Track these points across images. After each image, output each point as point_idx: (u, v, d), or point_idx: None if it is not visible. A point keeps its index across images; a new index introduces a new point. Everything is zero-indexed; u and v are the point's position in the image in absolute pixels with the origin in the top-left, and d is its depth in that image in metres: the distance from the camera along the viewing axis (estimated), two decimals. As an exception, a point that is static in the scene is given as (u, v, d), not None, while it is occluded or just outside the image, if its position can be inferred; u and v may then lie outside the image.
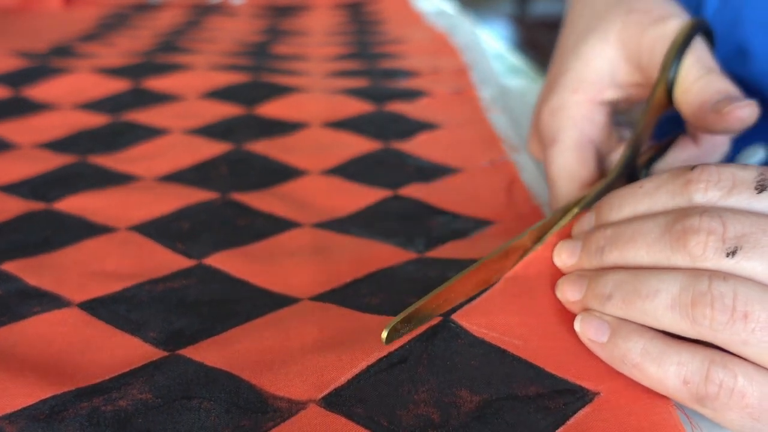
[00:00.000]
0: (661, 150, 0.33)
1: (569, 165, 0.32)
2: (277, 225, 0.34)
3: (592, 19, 0.34)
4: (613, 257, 0.24)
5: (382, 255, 0.31)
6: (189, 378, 0.23)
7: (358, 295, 0.28)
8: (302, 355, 0.24)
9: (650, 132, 0.31)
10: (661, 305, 0.22)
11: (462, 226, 0.34)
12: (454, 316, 0.25)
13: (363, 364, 0.23)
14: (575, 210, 0.27)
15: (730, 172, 0.23)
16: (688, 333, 0.21)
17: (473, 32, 0.77)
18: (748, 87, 0.41)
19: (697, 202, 0.23)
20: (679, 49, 0.30)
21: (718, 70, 0.30)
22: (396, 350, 0.23)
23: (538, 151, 0.37)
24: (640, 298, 0.22)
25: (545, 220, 0.27)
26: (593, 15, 0.35)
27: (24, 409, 0.22)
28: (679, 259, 0.22)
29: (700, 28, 0.31)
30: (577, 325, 0.24)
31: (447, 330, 0.24)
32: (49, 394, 0.22)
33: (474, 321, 0.25)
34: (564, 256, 0.26)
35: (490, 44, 0.74)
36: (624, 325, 0.23)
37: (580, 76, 0.33)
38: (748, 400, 0.20)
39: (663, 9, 0.33)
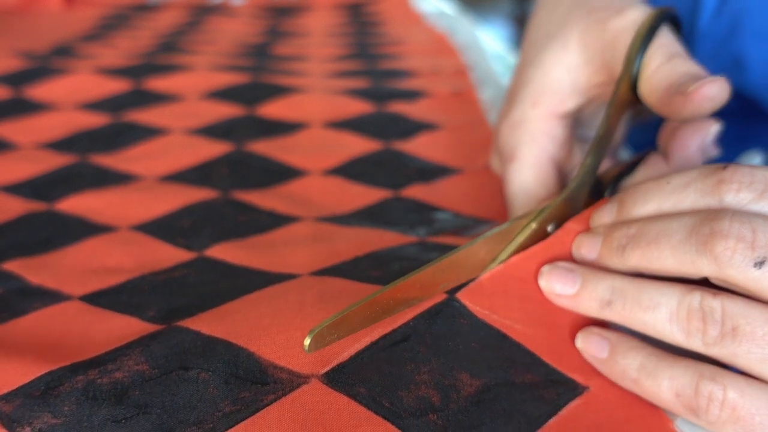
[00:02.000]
0: (629, 167, 0.31)
1: (528, 183, 0.31)
2: (278, 220, 0.34)
3: (552, 27, 0.33)
4: (636, 257, 0.23)
5: (384, 239, 0.31)
6: (185, 347, 0.23)
7: (358, 268, 0.28)
8: (302, 321, 0.23)
9: (613, 133, 0.29)
10: (661, 318, 0.22)
11: (463, 223, 0.34)
12: (458, 295, 0.25)
13: (366, 340, 0.23)
14: (533, 225, 0.26)
15: (763, 174, 0.22)
16: (683, 345, 0.22)
17: (473, 33, 0.77)
18: (745, 97, 0.41)
19: (728, 203, 0.22)
20: (643, 41, 0.28)
21: (683, 54, 0.28)
22: (399, 327, 0.23)
23: (499, 166, 0.35)
24: (641, 309, 0.22)
25: (499, 229, 0.26)
26: (553, 22, 0.33)
27: (19, 387, 0.22)
28: (705, 264, 0.21)
29: (665, 18, 0.29)
30: (579, 343, 0.24)
31: (450, 308, 0.24)
32: (44, 371, 0.22)
33: (477, 301, 0.24)
34: (584, 251, 0.25)
35: (490, 44, 0.74)
36: (623, 341, 0.23)
37: (539, 88, 0.32)
38: (740, 412, 0.20)
39: (624, 2, 0.31)
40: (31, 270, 0.30)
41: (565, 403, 0.22)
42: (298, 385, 0.21)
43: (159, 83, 0.54)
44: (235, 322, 0.24)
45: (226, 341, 0.23)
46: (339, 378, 0.21)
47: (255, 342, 0.23)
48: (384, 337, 0.23)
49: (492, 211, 0.36)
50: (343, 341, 0.22)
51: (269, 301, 0.25)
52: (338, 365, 0.22)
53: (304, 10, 0.94)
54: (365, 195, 0.37)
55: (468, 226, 0.34)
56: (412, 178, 0.39)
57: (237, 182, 0.39)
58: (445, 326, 0.23)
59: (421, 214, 0.35)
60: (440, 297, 0.24)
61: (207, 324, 0.24)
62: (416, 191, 0.37)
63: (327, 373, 0.22)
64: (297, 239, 0.32)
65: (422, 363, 0.22)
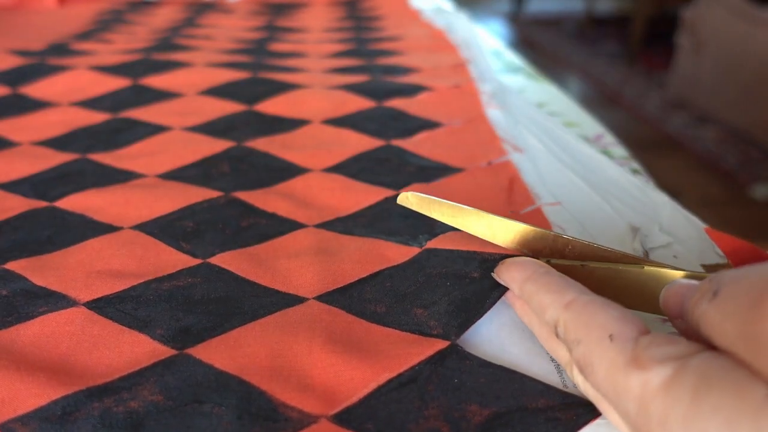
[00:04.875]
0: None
1: None
2: (281, 225, 0.34)
3: None
4: None
5: (386, 253, 0.31)
6: (199, 380, 0.23)
7: (363, 299, 0.28)
8: (312, 368, 0.24)
9: None
10: None
11: None
12: (460, 342, 0.25)
13: (373, 385, 0.23)
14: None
15: None
16: None
17: (471, 29, 0.77)
18: None
19: None
20: None
21: None
22: (406, 371, 0.24)
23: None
24: None
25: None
26: None
27: (36, 410, 0.22)
28: None
29: None
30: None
31: (456, 353, 0.25)
32: (59, 395, 0.22)
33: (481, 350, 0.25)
34: None
35: (487, 42, 0.74)
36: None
37: None
38: None
39: None
40: (35, 270, 0.29)
41: (584, 424, 0.22)
42: (308, 424, 0.22)
43: (157, 80, 0.54)
44: (246, 357, 0.24)
45: (238, 378, 0.23)
46: (347, 418, 0.22)
47: (267, 382, 0.23)
48: (390, 381, 0.23)
49: (492, 209, 0.36)
50: (352, 387, 0.23)
51: (280, 334, 0.26)
52: (347, 407, 0.22)
53: (300, 7, 0.94)
54: (366, 193, 0.37)
55: None
56: (413, 177, 0.39)
57: (238, 180, 0.38)
58: (452, 367, 0.24)
59: (423, 218, 0.35)
60: (443, 344, 0.25)
61: (219, 356, 0.24)
62: (417, 190, 0.37)
63: (336, 414, 0.22)
64: (300, 250, 0.32)
65: (430, 400, 0.23)
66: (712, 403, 0.16)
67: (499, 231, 0.28)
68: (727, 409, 0.16)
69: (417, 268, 0.29)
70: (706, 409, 0.16)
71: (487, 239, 0.28)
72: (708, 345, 0.18)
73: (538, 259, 0.27)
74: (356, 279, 0.29)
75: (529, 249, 0.27)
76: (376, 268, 0.30)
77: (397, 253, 0.31)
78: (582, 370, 0.20)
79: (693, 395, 0.17)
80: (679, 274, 0.25)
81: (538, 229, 0.27)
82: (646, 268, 0.26)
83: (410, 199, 0.29)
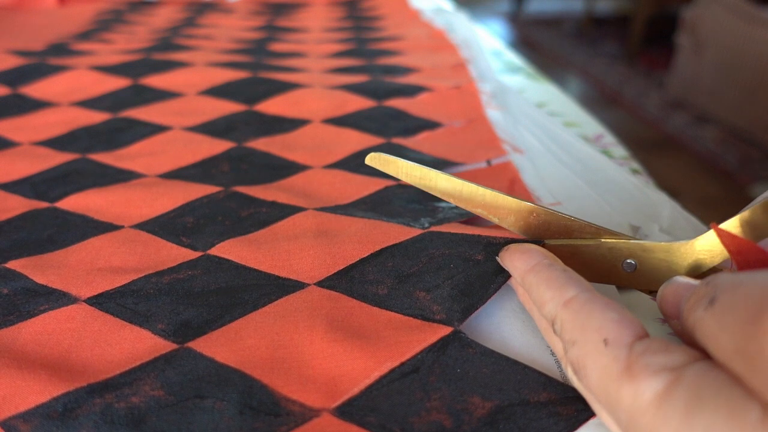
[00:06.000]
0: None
1: None
2: (281, 211, 0.34)
3: None
4: None
5: (388, 232, 0.31)
6: (200, 375, 0.23)
7: (364, 281, 0.28)
8: (313, 358, 0.24)
9: None
10: None
11: (466, 212, 0.34)
12: (463, 328, 0.25)
13: (375, 375, 0.23)
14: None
15: None
16: None
17: (471, 29, 0.77)
18: None
19: None
20: None
21: None
22: (408, 360, 0.24)
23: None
24: None
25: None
26: None
27: (37, 407, 0.22)
28: None
29: None
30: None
31: (458, 341, 0.25)
32: (61, 391, 0.22)
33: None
34: None
35: (487, 42, 0.74)
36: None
37: None
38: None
39: None
40: (36, 269, 0.29)
41: (585, 420, 0.22)
42: (310, 418, 0.22)
43: (157, 80, 0.54)
44: (247, 349, 0.24)
45: (240, 371, 0.23)
46: (349, 410, 0.22)
47: (269, 375, 0.23)
48: (393, 370, 0.23)
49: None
50: (354, 377, 0.23)
51: (280, 324, 0.26)
52: (349, 399, 0.22)
53: (300, 6, 0.94)
54: (368, 184, 0.37)
55: (470, 216, 0.34)
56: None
57: (238, 178, 0.38)
58: (454, 356, 0.24)
59: (424, 203, 0.35)
60: (446, 330, 0.25)
61: (220, 350, 0.24)
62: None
63: (338, 407, 0.22)
64: (299, 232, 0.32)
65: (432, 391, 0.22)
66: (704, 423, 0.16)
67: (465, 193, 0.28)
68: (719, 429, 0.15)
69: (420, 247, 0.29)
70: (698, 429, 0.16)
71: (452, 201, 0.28)
72: (703, 350, 0.18)
73: (502, 225, 0.28)
74: (357, 259, 0.29)
75: (494, 214, 0.28)
76: (378, 247, 0.30)
77: (399, 233, 0.31)
78: (576, 372, 0.20)
79: (685, 413, 0.16)
80: (634, 244, 0.26)
81: (501, 195, 0.27)
82: (603, 240, 0.26)
83: (378, 159, 0.29)
